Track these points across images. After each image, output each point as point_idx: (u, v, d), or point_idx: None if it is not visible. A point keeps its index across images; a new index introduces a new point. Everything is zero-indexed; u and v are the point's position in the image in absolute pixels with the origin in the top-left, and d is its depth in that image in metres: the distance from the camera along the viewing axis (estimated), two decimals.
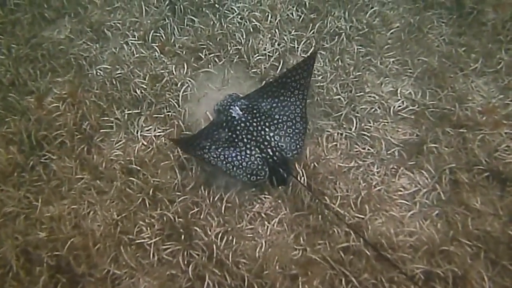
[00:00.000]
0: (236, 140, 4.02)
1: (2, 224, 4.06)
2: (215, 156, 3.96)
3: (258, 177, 3.94)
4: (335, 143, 4.23)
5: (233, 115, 4.12)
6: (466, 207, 3.84)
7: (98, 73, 4.81)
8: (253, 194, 4.04)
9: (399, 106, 4.41)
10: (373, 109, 4.41)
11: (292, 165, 4.04)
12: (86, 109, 4.55)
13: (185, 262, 3.75)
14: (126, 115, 4.51)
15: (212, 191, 4.05)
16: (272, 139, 4.00)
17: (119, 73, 4.76)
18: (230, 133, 4.05)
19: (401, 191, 3.99)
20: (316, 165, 4.08)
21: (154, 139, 4.35)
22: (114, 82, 4.70)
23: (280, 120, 4.07)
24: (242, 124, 4.06)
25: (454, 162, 4.04)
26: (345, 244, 3.71)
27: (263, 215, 3.93)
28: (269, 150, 3.96)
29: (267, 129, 4.04)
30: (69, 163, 4.29)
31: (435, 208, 3.88)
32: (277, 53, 4.77)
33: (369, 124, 4.32)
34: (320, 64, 4.66)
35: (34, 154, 4.38)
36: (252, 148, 3.98)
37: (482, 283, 3.50)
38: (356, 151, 4.18)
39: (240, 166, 3.93)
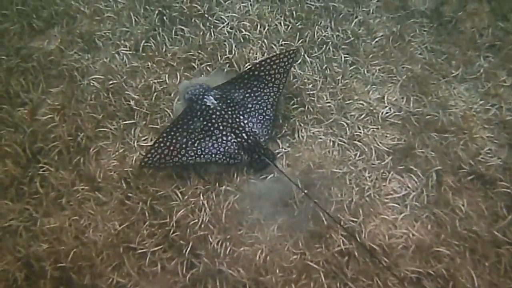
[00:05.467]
0: (212, 128, 4.16)
1: (3, 237, 4.07)
2: (192, 154, 4.07)
3: (236, 161, 4.14)
4: (327, 149, 4.37)
5: (207, 104, 4.24)
6: (453, 209, 4.02)
7: (91, 84, 4.84)
8: (252, 201, 4.11)
9: (387, 113, 4.58)
10: (362, 116, 4.57)
11: (269, 152, 4.24)
12: (80, 120, 4.59)
13: (187, 271, 3.82)
14: (121, 126, 4.56)
15: (212, 199, 4.13)
16: (246, 125, 4.19)
17: (112, 84, 4.80)
18: (205, 122, 4.18)
19: (392, 194, 4.13)
20: (311, 171, 4.22)
21: None
22: (108, 93, 4.75)
23: (252, 109, 4.26)
24: (218, 113, 4.20)
25: (440, 165, 4.21)
26: (341, 247, 3.84)
27: (261, 221, 4.03)
28: (244, 134, 4.14)
29: (241, 117, 4.21)
30: (67, 175, 4.32)
31: (425, 210, 4.04)
32: None
33: (359, 131, 4.46)
34: (310, 73, 4.82)
35: (31, 166, 4.39)
36: (228, 134, 4.14)
37: (471, 281, 3.67)
38: (348, 157, 4.32)
39: (218, 152, 4.10)
